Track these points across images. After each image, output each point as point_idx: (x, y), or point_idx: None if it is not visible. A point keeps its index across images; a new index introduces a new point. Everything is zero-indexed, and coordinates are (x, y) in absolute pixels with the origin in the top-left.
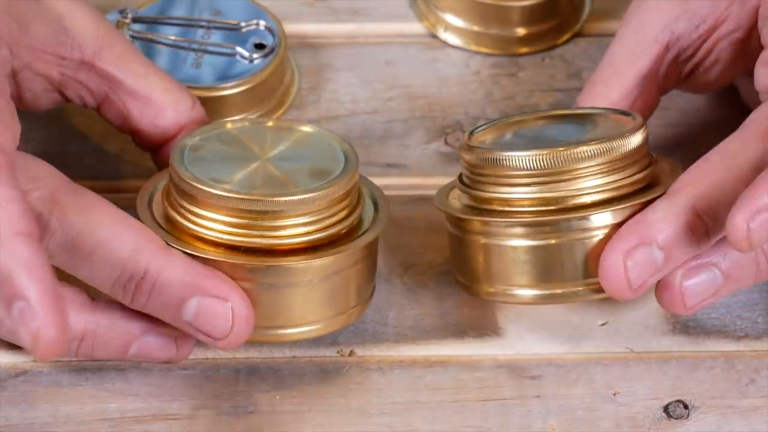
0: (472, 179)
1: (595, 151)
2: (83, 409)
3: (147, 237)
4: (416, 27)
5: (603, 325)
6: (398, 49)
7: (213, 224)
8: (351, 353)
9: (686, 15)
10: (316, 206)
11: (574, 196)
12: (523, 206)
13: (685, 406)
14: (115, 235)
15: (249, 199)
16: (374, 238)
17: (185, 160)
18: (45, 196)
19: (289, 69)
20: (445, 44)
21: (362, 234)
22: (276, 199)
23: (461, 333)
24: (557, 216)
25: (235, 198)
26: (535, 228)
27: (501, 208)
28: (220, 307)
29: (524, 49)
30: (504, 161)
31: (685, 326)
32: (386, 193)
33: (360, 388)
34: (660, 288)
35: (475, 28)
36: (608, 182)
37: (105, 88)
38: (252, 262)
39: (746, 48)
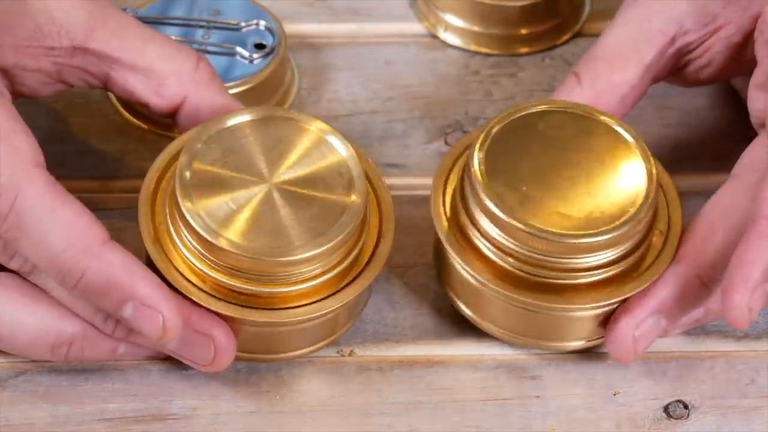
0: (472, 218)
1: (599, 244)
2: (83, 409)
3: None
4: (416, 27)
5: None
6: (398, 49)
7: (209, 270)
8: (351, 353)
9: (696, 12)
10: (315, 262)
11: (567, 276)
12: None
13: (685, 406)
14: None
15: (251, 258)
16: (368, 284)
17: (187, 183)
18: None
19: (289, 69)
20: (445, 44)
21: (360, 273)
22: (277, 259)
23: (461, 333)
24: (545, 302)
25: (236, 254)
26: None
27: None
28: (201, 341)
29: (524, 49)
30: (506, 226)
31: None
32: None
33: (360, 388)
34: (612, 340)
35: (475, 28)
36: (605, 264)
37: (105, 68)
38: (246, 316)
39: (741, 53)
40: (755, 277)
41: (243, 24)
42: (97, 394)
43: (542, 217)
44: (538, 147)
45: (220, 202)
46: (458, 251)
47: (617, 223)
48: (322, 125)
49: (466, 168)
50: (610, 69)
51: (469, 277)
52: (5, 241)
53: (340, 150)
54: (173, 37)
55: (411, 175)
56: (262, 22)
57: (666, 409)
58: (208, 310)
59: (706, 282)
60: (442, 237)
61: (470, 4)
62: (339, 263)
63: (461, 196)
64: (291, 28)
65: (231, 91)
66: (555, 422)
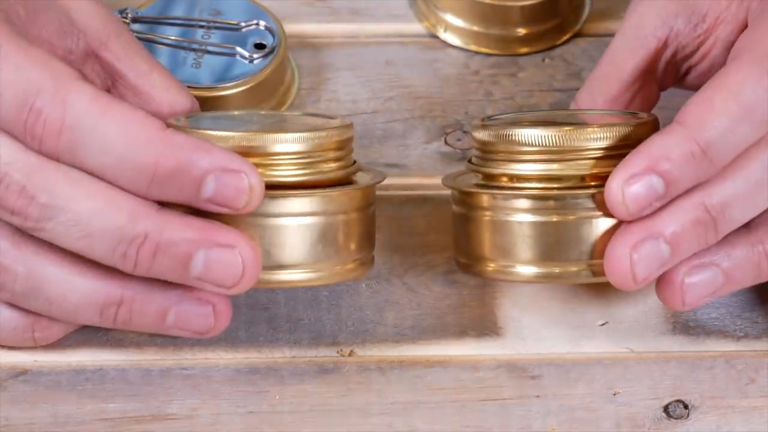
0: (483, 158)
1: (606, 134)
2: (83, 409)
3: (140, 201)
4: (416, 27)
5: (603, 325)
6: (398, 49)
7: None
8: (351, 353)
9: (685, 12)
10: (312, 146)
11: (582, 175)
12: (531, 182)
13: (685, 406)
14: (109, 203)
15: (248, 136)
16: (370, 184)
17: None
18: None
19: (289, 69)
20: (445, 44)
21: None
22: (274, 135)
23: (461, 333)
24: (564, 191)
25: (236, 136)
26: (540, 202)
27: (509, 184)
28: (229, 255)
29: (524, 49)
30: (515, 137)
31: (685, 326)
32: (386, 193)
33: (360, 388)
34: (661, 283)
35: (475, 28)
36: (617, 164)
37: (108, 82)
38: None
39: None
40: (636, 162)
41: (243, 24)
42: (97, 394)
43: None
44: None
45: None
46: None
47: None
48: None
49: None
50: (608, 84)
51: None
52: (65, 159)
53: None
54: (173, 37)
55: (411, 175)
56: (262, 22)
57: (666, 409)
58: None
59: (710, 210)
60: (454, 180)
61: (470, 4)
62: (335, 156)
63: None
64: (291, 28)
65: (231, 91)
66: (555, 422)
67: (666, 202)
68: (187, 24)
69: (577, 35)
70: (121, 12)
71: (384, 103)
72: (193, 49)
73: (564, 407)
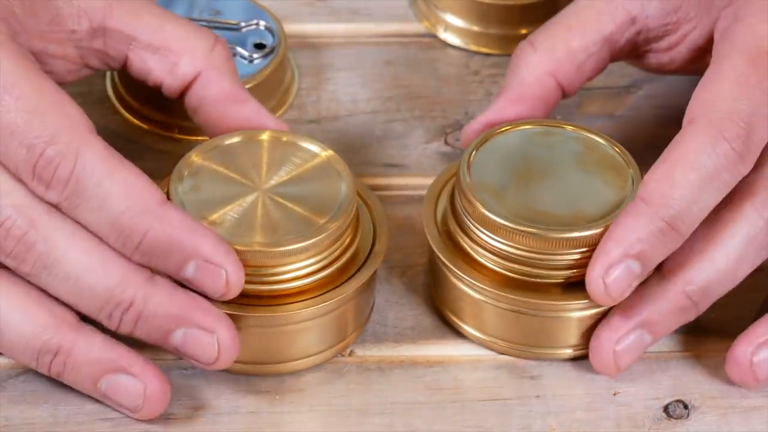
0: (463, 224)
1: (584, 241)
2: (83, 409)
3: (133, 267)
4: (416, 27)
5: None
6: (398, 49)
7: None
8: (351, 353)
9: None
10: (308, 254)
11: (554, 276)
12: (508, 261)
13: (685, 406)
14: (103, 264)
15: (243, 251)
16: (368, 278)
17: (180, 191)
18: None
19: (289, 69)
20: (445, 44)
21: (358, 271)
22: (269, 250)
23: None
24: (531, 299)
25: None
26: (518, 300)
27: (484, 261)
28: (206, 338)
29: None
30: (498, 228)
31: (686, 326)
32: (386, 193)
33: (360, 388)
34: (731, 365)
35: (475, 28)
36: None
37: (123, 49)
38: (241, 312)
39: (703, 57)
40: (611, 251)
41: (243, 24)
42: None
43: (528, 216)
44: (522, 159)
45: (212, 203)
46: (449, 258)
47: (602, 218)
48: (313, 145)
49: (456, 182)
50: (569, 35)
51: (462, 285)
52: (65, 209)
53: (321, 152)
54: None
55: (411, 175)
56: (262, 22)
57: (666, 409)
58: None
59: (691, 296)
60: (433, 244)
61: (470, 4)
62: (335, 260)
63: (451, 209)
64: (291, 28)
65: None
66: (555, 422)
67: (643, 279)
68: None
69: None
70: None
71: (384, 103)
72: None
73: (564, 407)
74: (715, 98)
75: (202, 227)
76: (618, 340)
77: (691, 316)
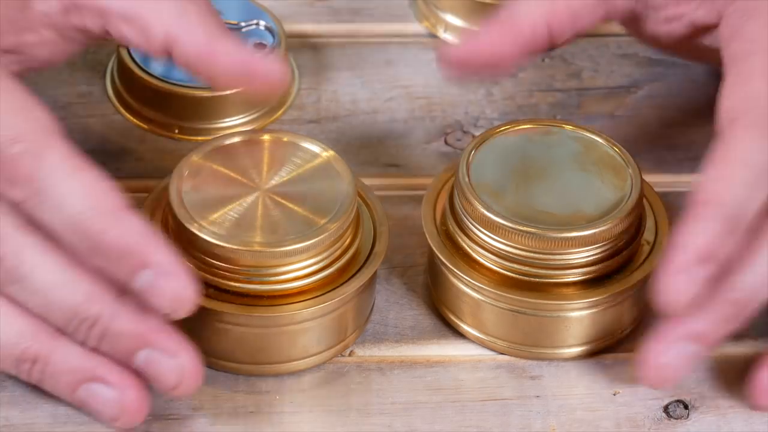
0: (463, 224)
1: (583, 240)
2: (83, 408)
3: (102, 284)
4: (416, 27)
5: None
6: (398, 49)
7: (203, 264)
8: (351, 353)
9: None
10: (308, 255)
11: (553, 275)
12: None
13: (685, 406)
14: (70, 279)
15: (244, 251)
16: (368, 278)
17: (180, 192)
18: None
19: (289, 69)
20: (445, 44)
21: (358, 271)
22: (269, 250)
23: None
24: (530, 299)
25: (229, 248)
26: (525, 300)
27: (485, 262)
28: (169, 362)
29: None
30: (497, 227)
31: None
32: (386, 193)
33: (360, 388)
34: (757, 393)
35: (475, 28)
36: (592, 262)
37: (99, 21)
38: (242, 312)
39: (697, 38)
40: (684, 258)
41: (243, 24)
42: None
43: (527, 216)
44: (521, 159)
45: (213, 203)
46: (448, 258)
47: (601, 218)
48: (314, 145)
49: (455, 181)
50: None
51: (461, 285)
52: (25, 210)
53: (322, 153)
54: None
55: (411, 175)
56: (262, 22)
57: (666, 409)
58: (209, 310)
59: (739, 305)
60: (432, 243)
61: (470, 4)
62: (336, 260)
63: (451, 209)
64: (291, 28)
65: (231, 91)
66: (555, 422)
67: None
68: None
69: (577, 35)
70: None
71: (384, 103)
72: None
73: (564, 407)
74: (751, 96)
75: (160, 239)
76: (666, 351)
77: (736, 324)
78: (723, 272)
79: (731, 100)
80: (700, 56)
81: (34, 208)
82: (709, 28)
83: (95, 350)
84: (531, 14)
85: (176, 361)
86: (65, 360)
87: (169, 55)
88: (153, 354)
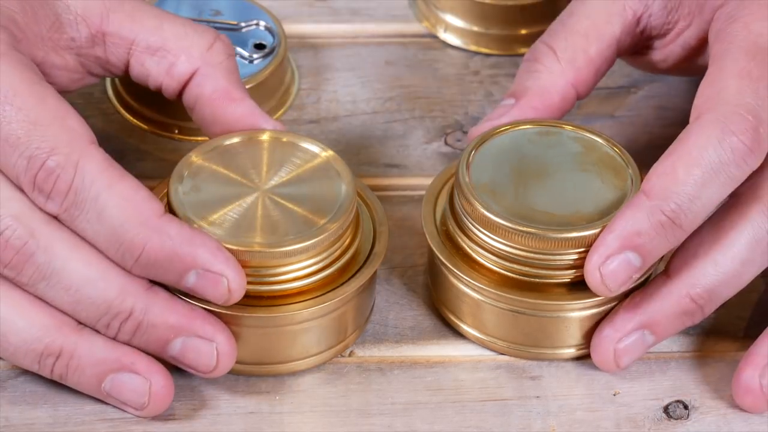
0: (463, 224)
1: (582, 240)
2: (83, 409)
3: (132, 278)
4: (416, 27)
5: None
6: (398, 49)
7: None
8: (351, 353)
9: None
10: (308, 255)
11: (553, 275)
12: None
13: (685, 407)
14: (102, 274)
15: (244, 251)
16: (368, 278)
17: (180, 192)
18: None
19: (289, 69)
20: (445, 44)
21: (358, 271)
22: (269, 250)
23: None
24: (530, 299)
25: (229, 249)
26: (520, 300)
27: (484, 261)
28: (205, 347)
29: (524, 49)
30: (497, 228)
31: None
32: (386, 193)
33: (360, 388)
34: (740, 394)
35: (475, 28)
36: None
37: (124, 54)
38: (242, 312)
39: (694, 57)
40: (610, 242)
41: (243, 24)
42: None
43: (527, 216)
44: (521, 159)
45: (212, 203)
46: (448, 258)
47: (601, 219)
48: (314, 145)
49: (455, 181)
50: (587, 44)
51: (461, 285)
52: (64, 220)
53: (321, 153)
54: None
55: (411, 176)
56: (262, 22)
57: (666, 409)
58: (212, 312)
59: (696, 299)
60: (432, 243)
61: (470, 4)
62: (335, 260)
63: (450, 209)
64: (291, 28)
65: None
66: (555, 422)
67: (645, 272)
68: None
69: None
70: None
71: (384, 103)
72: None
73: (564, 408)
74: (719, 94)
75: (201, 236)
76: (620, 338)
77: (696, 319)
78: (684, 266)
79: (700, 98)
80: (699, 73)
81: (72, 220)
82: (702, 45)
83: (127, 344)
84: (559, 84)
85: (212, 345)
86: (90, 352)
87: (179, 94)
88: (188, 341)
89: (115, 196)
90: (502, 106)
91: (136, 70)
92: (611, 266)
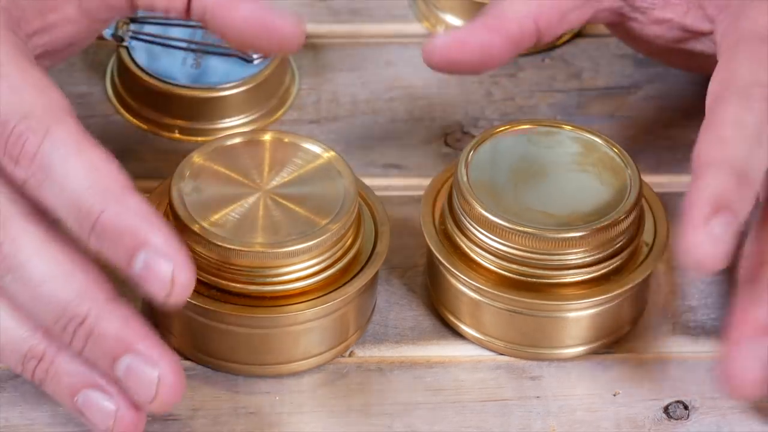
0: (461, 224)
1: (581, 241)
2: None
3: (97, 283)
4: (416, 27)
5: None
6: (398, 49)
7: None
8: (351, 354)
9: None
10: (310, 255)
11: (551, 276)
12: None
13: (685, 407)
14: (65, 274)
15: (246, 251)
16: (370, 278)
17: (181, 192)
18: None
19: (289, 69)
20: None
21: (360, 271)
22: (271, 251)
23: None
24: (528, 299)
25: (231, 249)
26: (521, 300)
27: (484, 262)
28: (148, 371)
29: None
30: (495, 227)
31: (685, 326)
32: (386, 193)
33: (360, 388)
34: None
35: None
36: (590, 263)
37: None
38: (244, 312)
39: (689, 43)
40: (703, 211)
41: None
42: None
43: (526, 216)
44: (520, 160)
45: (214, 204)
46: (447, 258)
47: (599, 219)
48: (316, 146)
49: (454, 181)
50: None
51: (459, 284)
52: (29, 190)
53: (323, 153)
54: (172, 38)
55: (411, 176)
56: None
57: (666, 409)
58: (213, 312)
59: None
60: (431, 243)
61: (470, 4)
62: (337, 261)
63: (449, 209)
64: None
65: (231, 92)
66: (555, 423)
67: (736, 236)
68: (188, 25)
69: (577, 35)
70: None
71: (384, 103)
72: (193, 50)
73: (564, 408)
74: (734, 76)
75: (159, 220)
76: (742, 356)
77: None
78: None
79: (715, 84)
80: (691, 63)
81: (37, 186)
82: (699, 34)
83: (80, 355)
84: (519, 12)
85: (156, 371)
86: (69, 362)
87: (187, 11)
88: (134, 361)
89: (82, 162)
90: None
91: (142, 2)
92: (715, 229)
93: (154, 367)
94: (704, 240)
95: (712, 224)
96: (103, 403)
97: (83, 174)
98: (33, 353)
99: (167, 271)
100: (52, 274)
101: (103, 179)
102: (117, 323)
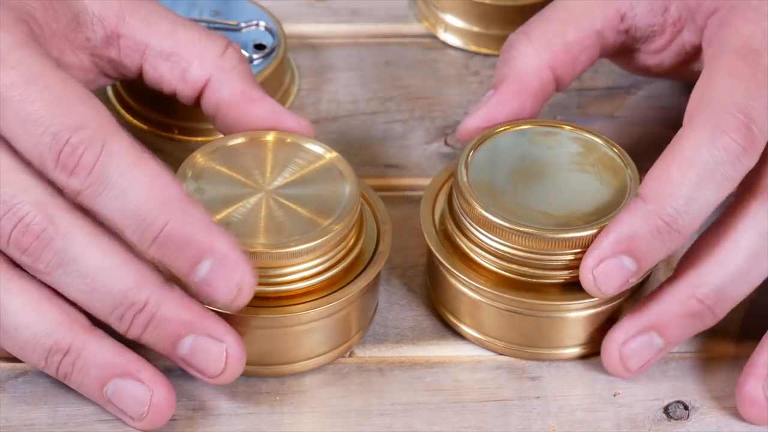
0: (461, 224)
1: (581, 241)
2: (83, 409)
3: (150, 270)
4: (416, 27)
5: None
6: (398, 49)
7: None
8: (351, 354)
9: None
10: (313, 256)
11: (551, 276)
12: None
13: (685, 407)
14: (120, 264)
15: (248, 252)
16: (373, 278)
17: (186, 192)
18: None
19: (289, 70)
20: (445, 44)
21: (362, 271)
22: (275, 251)
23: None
24: (528, 299)
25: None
26: (519, 300)
27: (482, 262)
28: (214, 348)
29: None
30: (495, 228)
31: None
32: (386, 193)
33: (360, 388)
34: (745, 405)
35: (475, 28)
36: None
37: (137, 57)
38: (247, 313)
39: (689, 63)
40: (604, 246)
41: (243, 24)
42: None
43: (526, 216)
44: (520, 160)
45: (216, 203)
46: (446, 258)
47: (599, 219)
48: (317, 146)
49: (454, 181)
50: (564, 29)
51: (459, 285)
52: (83, 200)
53: (325, 154)
54: None
55: (411, 176)
56: (262, 23)
57: (666, 409)
58: (219, 314)
59: (703, 299)
60: (431, 243)
61: (470, 5)
62: (340, 261)
63: (449, 209)
64: (291, 28)
65: None
66: (555, 423)
67: (642, 276)
68: None
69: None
70: None
71: (384, 103)
72: None
73: (564, 408)
74: (710, 95)
75: (220, 228)
76: (625, 341)
77: (707, 322)
78: (690, 267)
79: (692, 101)
80: (693, 78)
81: (93, 198)
82: (697, 52)
83: (137, 340)
84: (534, 66)
85: (222, 347)
86: (98, 353)
87: (197, 100)
88: (199, 340)
89: (141, 174)
90: (483, 99)
91: (150, 75)
92: (604, 269)
93: (220, 344)
94: (593, 274)
95: (607, 263)
96: (136, 391)
97: (144, 186)
98: (58, 347)
99: (235, 277)
100: (106, 265)
101: (164, 190)
102: (176, 306)
